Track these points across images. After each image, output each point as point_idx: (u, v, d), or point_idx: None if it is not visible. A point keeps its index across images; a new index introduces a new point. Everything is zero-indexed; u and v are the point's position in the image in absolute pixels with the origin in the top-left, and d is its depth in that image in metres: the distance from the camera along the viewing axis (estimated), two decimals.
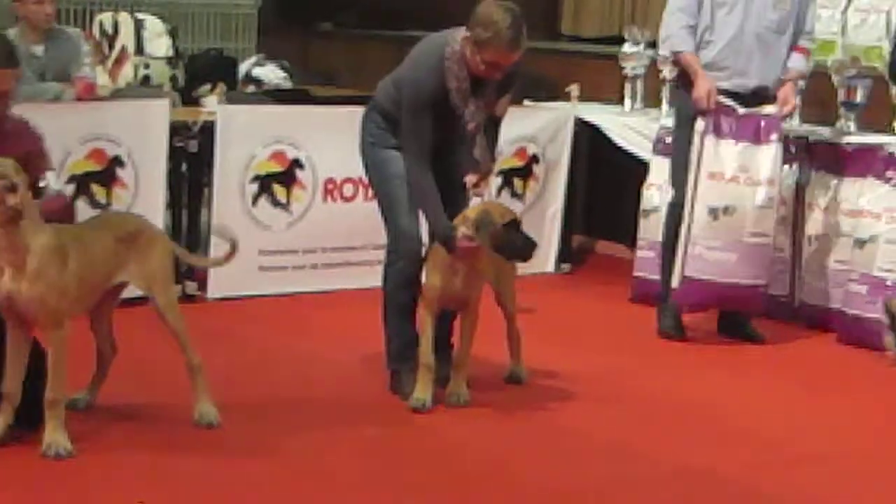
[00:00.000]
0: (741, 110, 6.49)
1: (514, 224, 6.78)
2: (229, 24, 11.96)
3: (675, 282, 6.73)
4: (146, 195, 8.64)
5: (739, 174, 6.62)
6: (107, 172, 8.48)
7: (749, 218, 6.68)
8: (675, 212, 7.05)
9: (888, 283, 7.81)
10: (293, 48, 12.01)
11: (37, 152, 6.14)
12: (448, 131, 6.94)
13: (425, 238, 7.17)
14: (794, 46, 6.92)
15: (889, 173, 7.85)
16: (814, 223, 8.35)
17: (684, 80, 6.90)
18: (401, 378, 7.01)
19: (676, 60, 6.79)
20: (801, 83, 7.58)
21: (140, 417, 6.51)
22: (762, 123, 6.59)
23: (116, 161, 8.50)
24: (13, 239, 5.65)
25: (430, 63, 6.94)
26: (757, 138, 6.63)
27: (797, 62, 6.95)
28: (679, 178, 7.04)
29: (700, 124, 6.48)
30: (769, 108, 6.64)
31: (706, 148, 6.54)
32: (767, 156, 6.68)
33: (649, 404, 6.91)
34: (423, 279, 6.99)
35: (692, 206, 6.58)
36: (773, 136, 6.57)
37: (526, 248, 6.80)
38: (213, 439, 6.27)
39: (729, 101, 6.44)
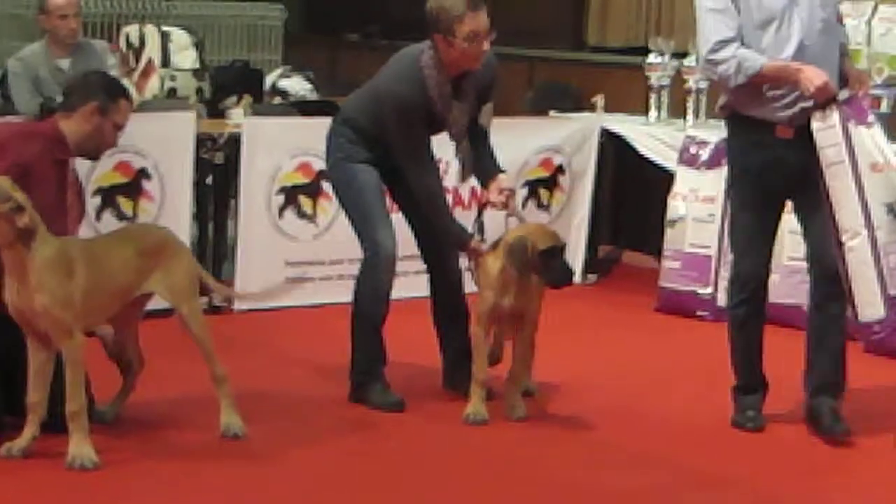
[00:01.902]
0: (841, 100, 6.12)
1: (553, 251, 6.73)
2: (255, 35, 11.99)
3: (872, 314, 6.02)
4: (172, 207, 8.65)
5: (888, 159, 6.15)
6: (133, 185, 8.49)
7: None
8: (745, 293, 6.44)
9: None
10: (319, 59, 12.03)
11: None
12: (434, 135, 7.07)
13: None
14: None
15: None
16: None
17: (738, 127, 6.45)
18: (364, 388, 7.03)
19: (760, 79, 6.14)
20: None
21: (167, 428, 6.51)
22: (857, 106, 6.19)
23: (143, 173, 8.51)
24: (22, 255, 5.72)
25: (408, 75, 6.99)
26: (867, 118, 6.19)
27: (844, 36, 6.79)
28: (742, 245, 6.50)
29: (833, 116, 5.95)
30: (844, 92, 6.24)
31: (854, 136, 5.97)
32: (881, 136, 6.22)
33: (672, 416, 6.88)
34: (478, 293, 6.95)
35: (868, 212, 5.95)
36: (871, 117, 6.21)
37: (560, 279, 6.77)
38: (239, 450, 6.28)
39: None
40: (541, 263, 6.63)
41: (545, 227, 7.11)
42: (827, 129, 5.85)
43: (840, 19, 6.51)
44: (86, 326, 6.06)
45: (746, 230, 6.32)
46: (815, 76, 5.81)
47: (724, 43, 6.05)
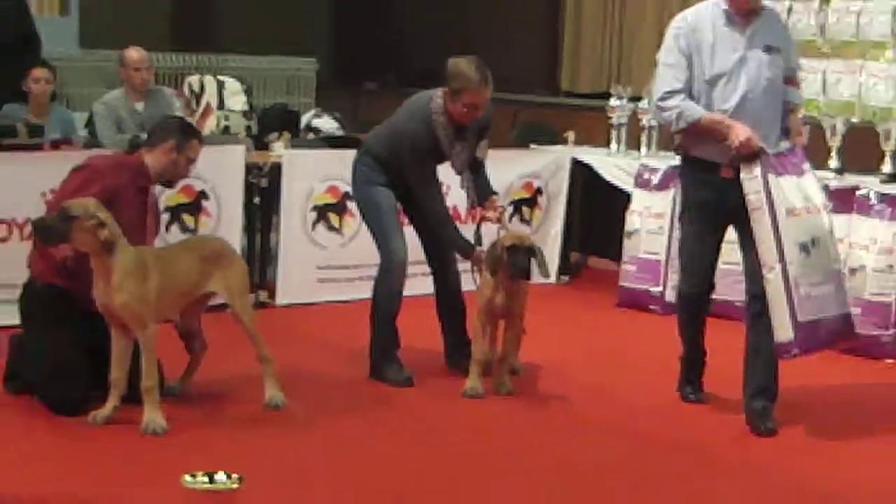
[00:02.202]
0: (772, 153, 5.94)
1: (515, 248, 6.77)
2: (293, 83, 11.94)
3: (784, 334, 5.87)
4: (226, 222, 8.67)
5: (807, 206, 6.01)
6: (195, 204, 8.52)
7: (829, 247, 6.11)
8: (689, 304, 6.44)
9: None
10: (344, 103, 12.00)
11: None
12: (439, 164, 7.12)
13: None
14: (786, 78, 6.30)
15: None
16: None
17: (689, 166, 6.38)
18: (382, 368, 7.05)
19: (698, 129, 6.03)
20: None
21: (222, 400, 6.59)
22: (793, 157, 6.09)
23: (202, 194, 8.55)
24: (107, 262, 5.82)
25: (420, 116, 6.99)
26: (799, 171, 6.07)
27: (794, 95, 6.38)
28: (688, 264, 6.45)
29: (755, 168, 5.83)
30: (784, 143, 6.16)
31: (774, 187, 5.85)
32: (813, 184, 6.14)
33: (631, 391, 6.88)
34: (477, 292, 7.01)
35: (782, 250, 5.83)
36: (807, 166, 6.11)
37: (518, 269, 6.76)
38: (280, 418, 6.33)
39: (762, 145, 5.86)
40: (507, 257, 6.68)
41: (519, 233, 7.17)
42: (751, 179, 5.80)
43: (795, 82, 6.38)
44: (158, 319, 6.12)
45: (693, 251, 6.26)
46: (741, 132, 5.77)
47: (671, 93, 5.99)
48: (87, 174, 6.36)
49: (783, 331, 5.82)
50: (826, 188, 8.12)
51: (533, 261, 6.79)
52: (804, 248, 5.81)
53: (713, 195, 6.02)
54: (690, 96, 5.99)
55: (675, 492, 5.53)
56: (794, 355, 5.95)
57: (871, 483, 5.67)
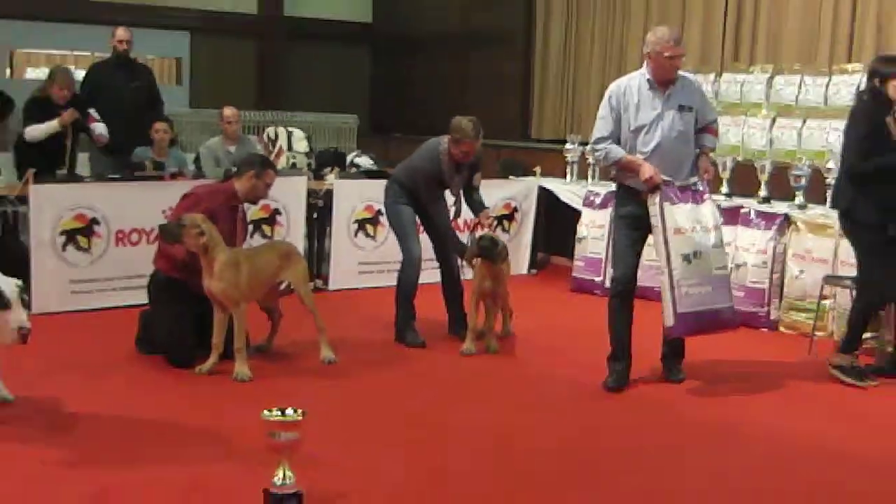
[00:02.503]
0: (676, 185, 5.81)
1: (483, 239, 6.90)
2: (341, 133, 11.94)
3: (668, 321, 5.84)
4: (293, 231, 8.65)
5: (695, 226, 5.85)
6: (271, 217, 8.50)
7: (711, 258, 5.90)
8: (619, 286, 6.15)
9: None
10: (377, 147, 11.99)
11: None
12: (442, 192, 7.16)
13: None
14: (705, 127, 6.10)
15: None
16: None
17: (621, 190, 6.20)
18: (403, 334, 7.04)
19: (620, 166, 5.98)
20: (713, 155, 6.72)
21: (292, 358, 6.61)
22: (696, 189, 5.92)
23: (276, 211, 8.52)
24: (209, 259, 5.96)
25: (429, 157, 7.06)
26: (696, 200, 5.90)
27: (708, 140, 6.10)
28: (618, 260, 6.21)
29: (656, 197, 5.75)
30: (693, 178, 5.96)
31: (668, 213, 5.76)
32: (708, 210, 5.96)
33: (579, 352, 6.78)
34: (472, 280, 7.06)
35: (668, 258, 5.78)
36: (706, 196, 5.94)
37: (484, 253, 6.86)
38: (332, 371, 6.35)
39: (668, 179, 5.74)
40: (478, 245, 6.82)
41: (493, 235, 7.07)
42: (653, 205, 5.74)
43: (713, 131, 6.15)
44: (248, 300, 6.21)
45: (623, 251, 6.10)
46: (647, 171, 5.68)
47: (600, 139, 5.93)
48: (194, 199, 6.44)
49: (668, 318, 5.80)
50: (720, 207, 8.16)
51: (499, 250, 6.86)
52: (686, 258, 5.75)
53: (636, 211, 5.92)
54: (618, 142, 5.90)
55: (602, 423, 5.56)
56: (675, 337, 5.99)
57: (754, 415, 5.66)
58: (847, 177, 6.20)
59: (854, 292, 6.50)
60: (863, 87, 6.41)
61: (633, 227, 6.00)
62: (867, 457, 5.07)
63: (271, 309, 6.65)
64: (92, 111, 8.52)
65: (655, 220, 5.76)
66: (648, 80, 5.86)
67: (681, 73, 5.95)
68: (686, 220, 5.78)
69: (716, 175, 8.54)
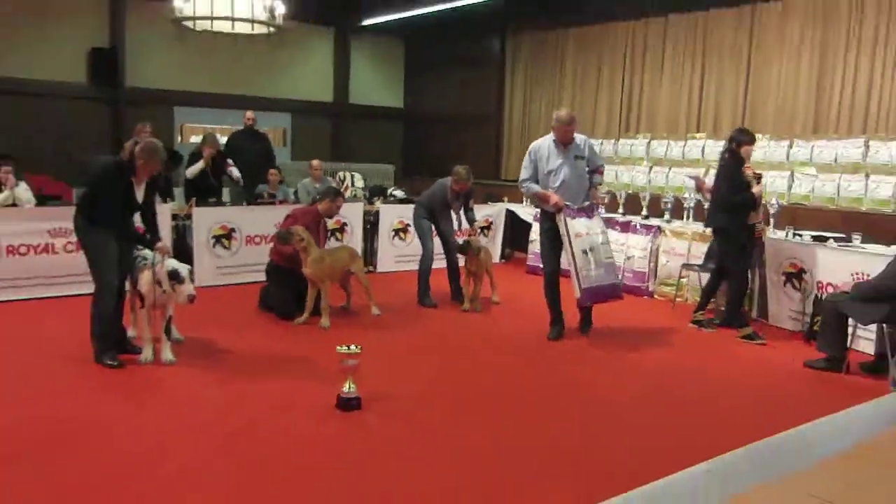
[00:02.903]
0: (574, 207, 5.71)
1: (465, 242, 6.91)
2: (384, 175, 11.98)
3: (577, 294, 5.73)
4: (355, 237, 8.59)
5: (588, 232, 5.74)
6: (341, 228, 8.48)
7: (601, 251, 5.78)
8: (549, 276, 6.00)
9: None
10: (407, 184, 11.96)
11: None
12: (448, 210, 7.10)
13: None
14: (595, 169, 5.89)
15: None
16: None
17: (541, 213, 5.98)
18: (422, 299, 7.02)
19: (534, 196, 5.93)
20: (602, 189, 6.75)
21: (354, 315, 6.52)
22: (588, 209, 5.81)
23: (345, 224, 8.50)
24: (306, 254, 5.94)
25: (441, 190, 7.04)
26: (589, 216, 5.80)
27: (597, 178, 5.90)
28: (547, 259, 5.98)
29: (561, 216, 5.65)
30: (587, 203, 5.82)
31: (569, 224, 5.66)
32: (597, 222, 5.84)
33: (532, 315, 6.71)
34: (464, 266, 7.03)
35: (573, 253, 5.64)
36: (595, 213, 5.85)
37: (461, 249, 6.94)
38: (378, 322, 6.30)
39: (568, 203, 5.64)
40: (461, 247, 6.89)
41: (473, 238, 6.99)
42: (560, 222, 5.66)
43: (601, 173, 5.98)
44: (330, 281, 6.18)
45: (546, 255, 5.96)
46: (553, 199, 5.64)
47: (523, 180, 5.87)
48: (293, 217, 6.45)
49: (576, 293, 5.72)
50: (614, 220, 8.21)
51: (471, 246, 6.86)
52: (585, 252, 5.70)
53: (550, 226, 5.81)
54: (536, 181, 5.80)
55: (544, 357, 5.50)
56: (584, 305, 5.92)
57: (643, 350, 5.67)
58: (720, 208, 6.07)
59: (708, 276, 6.52)
60: (723, 148, 6.25)
61: (551, 237, 5.87)
62: (719, 377, 5.12)
63: (345, 285, 6.60)
64: (229, 160, 8.53)
65: (562, 231, 5.69)
66: (554, 140, 5.76)
67: (576, 134, 5.83)
68: (582, 228, 5.73)
69: (612, 201, 8.65)
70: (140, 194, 4.83)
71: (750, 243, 6.14)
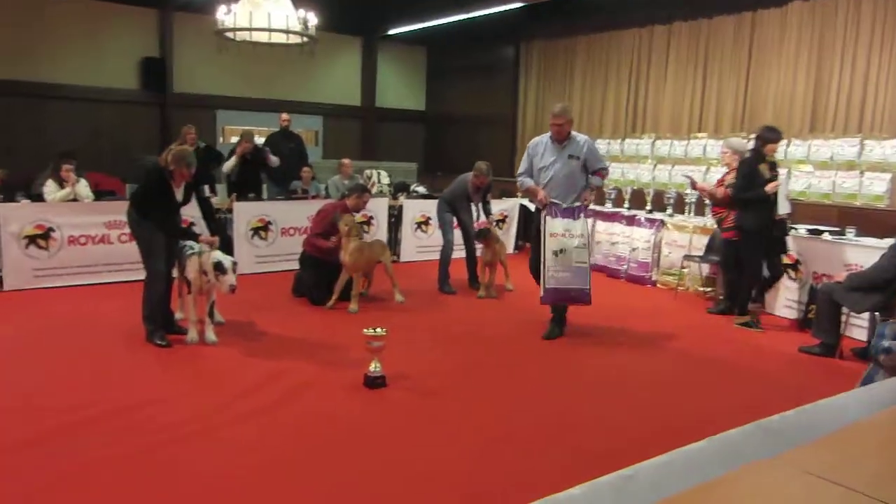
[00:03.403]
0: (563, 205, 5.25)
1: (481, 230, 6.88)
2: (407, 172, 11.95)
3: (542, 293, 5.27)
4: (381, 230, 8.57)
5: (565, 233, 5.21)
6: (367, 222, 8.44)
7: (572, 254, 5.21)
8: (534, 267, 5.50)
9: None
10: (428, 181, 11.95)
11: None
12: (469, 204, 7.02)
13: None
14: (595, 171, 5.35)
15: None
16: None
17: (535, 209, 5.62)
18: (443, 286, 6.97)
19: (526, 190, 5.50)
20: (595, 190, 5.63)
21: (378, 299, 6.50)
22: (574, 210, 5.26)
23: (371, 218, 8.48)
24: (347, 242, 5.94)
25: (462, 184, 6.96)
26: (573, 217, 5.25)
27: (595, 180, 5.36)
28: (534, 247, 5.58)
29: (543, 212, 5.24)
30: (577, 203, 5.28)
31: (547, 223, 5.22)
32: (579, 224, 5.24)
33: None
34: (480, 255, 7.02)
35: (543, 251, 5.22)
36: (581, 215, 5.26)
37: (480, 236, 6.90)
38: (400, 307, 6.27)
39: (556, 201, 5.22)
40: (480, 233, 6.86)
41: (489, 227, 6.95)
42: (541, 219, 5.27)
43: (601, 175, 5.40)
44: (363, 270, 6.18)
45: (533, 241, 5.62)
46: (539, 195, 5.26)
47: (519, 174, 5.47)
48: (325, 212, 6.41)
49: (541, 291, 5.26)
50: (622, 215, 8.13)
51: (490, 234, 6.87)
52: (555, 253, 5.20)
53: (540, 220, 5.38)
54: (531, 176, 5.40)
55: (548, 351, 5.35)
56: (544, 303, 5.36)
57: (643, 333, 5.58)
58: (733, 203, 5.90)
59: (721, 269, 6.42)
60: (751, 145, 5.98)
61: (538, 229, 5.52)
62: (718, 360, 5.05)
63: (367, 273, 6.46)
64: (267, 149, 8.45)
65: (541, 227, 5.30)
66: (551, 138, 5.39)
67: (574, 133, 5.39)
68: (559, 228, 5.22)
69: (619, 196, 8.51)
70: (179, 195, 4.91)
71: (775, 237, 5.89)
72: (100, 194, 7.73)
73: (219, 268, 4.81)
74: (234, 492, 2.86)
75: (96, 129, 11.08)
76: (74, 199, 6.92)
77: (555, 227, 5.25)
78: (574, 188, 5.36)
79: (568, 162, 5.34)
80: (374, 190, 10.00)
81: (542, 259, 5.26)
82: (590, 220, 8.46)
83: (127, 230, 5.05)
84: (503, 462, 3.21)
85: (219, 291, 4.97)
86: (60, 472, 2.97)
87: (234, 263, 4.93)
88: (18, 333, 5.07)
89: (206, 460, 3.12)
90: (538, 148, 5.48)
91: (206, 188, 5.22)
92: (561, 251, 5.22)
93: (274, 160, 8.48)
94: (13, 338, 4.95)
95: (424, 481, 2.99)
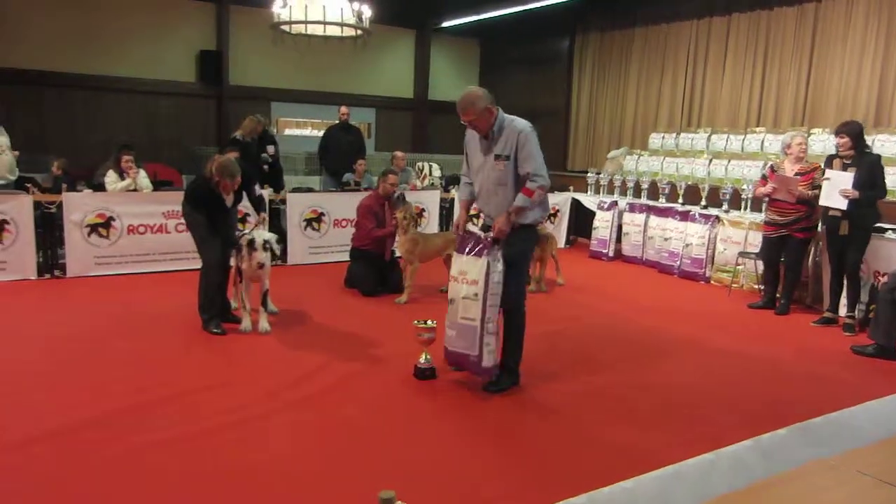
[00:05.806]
0: (481, 234, 3.85)
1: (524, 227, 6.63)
2: (459, 165, 11.91)
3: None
4: (432, 221, 8.56)
5: (458, 276, 3.84)
6: (420, 213, 8.39)
7: (459, 308, 3.83)
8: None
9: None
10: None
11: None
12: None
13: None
14: (522, 189, 3.77)
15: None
16: None
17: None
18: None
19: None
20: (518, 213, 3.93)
21: (431, 294, 6.45)
22: (481, 244, 3.79)
23: (423, 210, 8.46)
24: (402, 232, 5.97)
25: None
26: (478, 254, 3.77)
27: (518, 199, 3.76)
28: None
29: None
30: (490, 232, 3.84)
31: (454, 261, 3.93)
32: (479, 265, 3.74)
33: (594, 292, 6.58)
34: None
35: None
36: (484, 254, 3.75)
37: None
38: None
39: (473, 229, 4.06)
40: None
41: (542, 226, 6.79)
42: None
43: (528, 191, 3.78)
44: (420, 261, 6.14)
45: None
46: (456, 218, 4.18)
47: (462, 176, 4.20)
48: (365, 206, 6.43)
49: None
50: (675, 211, 7.99)
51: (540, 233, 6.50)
52: (451, 301, 3.89)
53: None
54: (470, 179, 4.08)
55: (598, 344, 5.28)
56: (450, 364, 4.08)
57: (694, 330, 5.50)
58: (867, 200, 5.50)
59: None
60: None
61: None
62: (770, 358, 4.93)
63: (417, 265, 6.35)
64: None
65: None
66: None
67: (510, 122, 3.80)
68: (456, 271, 3.88)
69: (672, 192, 8.36)
70: (229, 200, 5.01)
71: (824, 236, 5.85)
72: (157, 184, 7.95)
73: (250, 244, 4.87)
74: (287, 476, 2.93)
75: (154, 121, 11.45)
76: (134, 190, 7.16)
77: (455, 268, 3.90)
78: (505, 203, 3.83)
79: (495, 165, 3.83)
80: (425, 182, 10.04)
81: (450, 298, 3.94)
82: (642, 216, 8.43)
83: (183, 221, 5.20)
84: (558, 455, 3.21)
85: (271, 278, 5.06)
86: (125, 448, 3.10)
87: (267, 241, 4.92)
88: (81, 319, 5.25)
89: (258, 445, 3.21)
90: (471, 143, 4.00)
91: (258, 187, 5.27)
92: (452, 301, 3.89)
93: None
94: (76, 323, 5.14)
95: (475, 472, 3.01)
